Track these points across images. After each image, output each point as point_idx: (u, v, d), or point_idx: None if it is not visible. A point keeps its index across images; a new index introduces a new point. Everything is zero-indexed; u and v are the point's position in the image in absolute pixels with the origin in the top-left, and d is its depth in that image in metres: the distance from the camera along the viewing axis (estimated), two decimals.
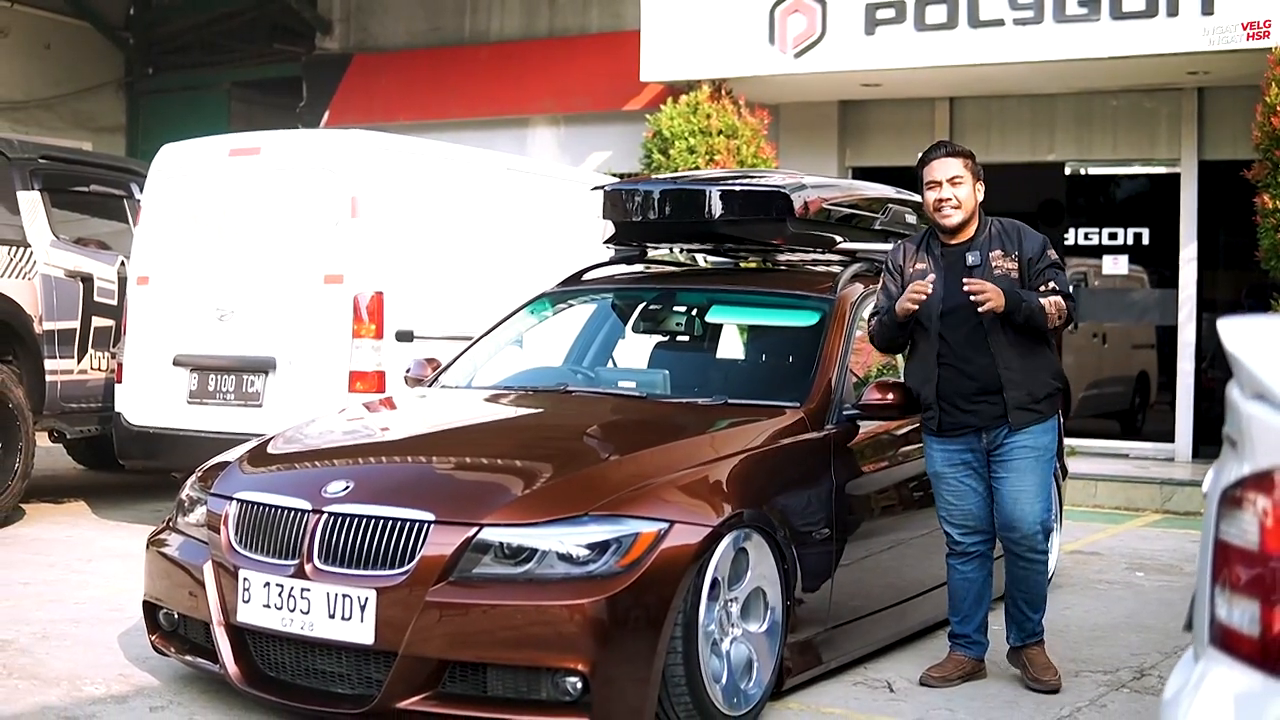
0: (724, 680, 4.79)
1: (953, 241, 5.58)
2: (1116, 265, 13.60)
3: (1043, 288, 5.43)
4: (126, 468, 9.10)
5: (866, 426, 5.85)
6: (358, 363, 7.90)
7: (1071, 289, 5.53)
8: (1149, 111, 13.58)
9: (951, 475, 5.63)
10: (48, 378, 9.11)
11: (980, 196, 5.60)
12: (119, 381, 8.76)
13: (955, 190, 5.50)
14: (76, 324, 9.31)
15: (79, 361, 9.34)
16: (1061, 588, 7.69)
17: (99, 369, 9.47)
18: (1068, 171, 13.93)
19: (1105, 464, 12.25)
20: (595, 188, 7.04)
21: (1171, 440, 13.36)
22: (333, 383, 7.91)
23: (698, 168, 12.94)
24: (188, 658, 5.14)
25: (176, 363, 8.44)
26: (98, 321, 9.44)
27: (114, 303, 9.53)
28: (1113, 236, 13.73)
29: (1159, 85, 13.13)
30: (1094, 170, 14.13)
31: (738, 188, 6.43)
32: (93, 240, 9.72)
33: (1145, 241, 13.68)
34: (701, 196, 6.40)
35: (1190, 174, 13.24)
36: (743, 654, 4.92)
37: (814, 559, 5.30)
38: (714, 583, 4.72)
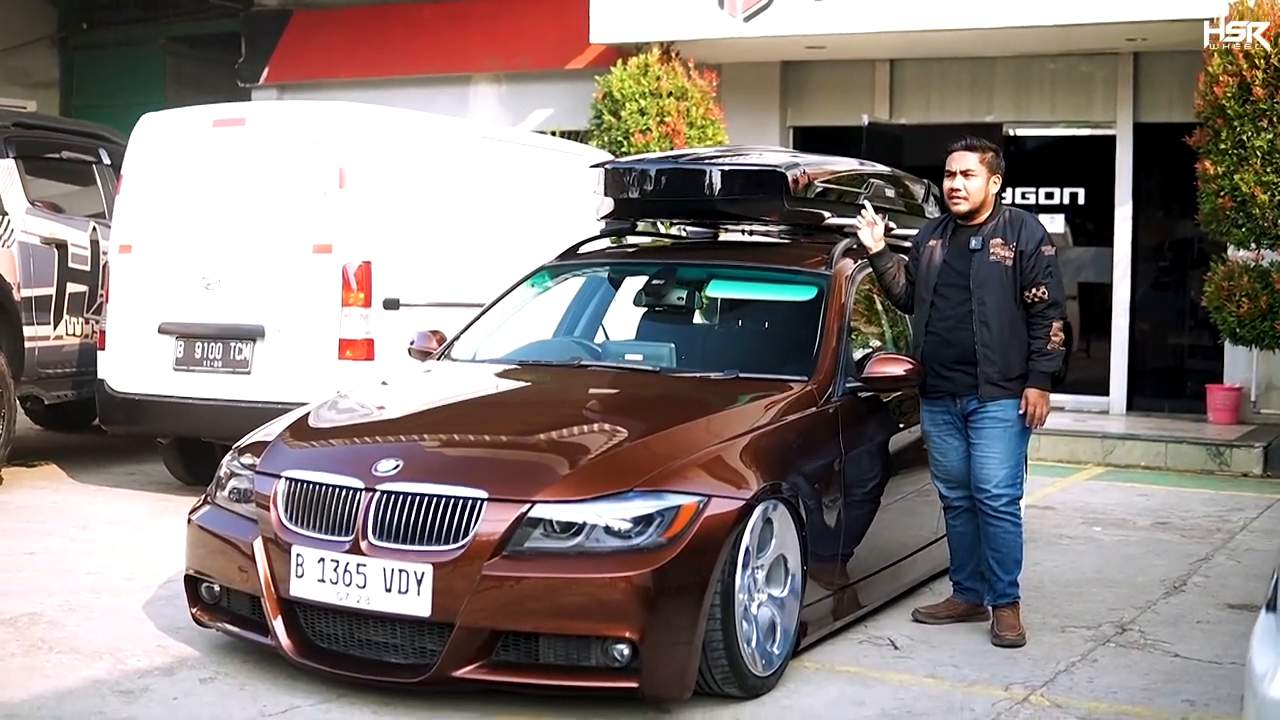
0: (754, 642, 5.07)
1: (965, 225, 6.06)
2: (1053, 224, 13.97)
3: (1032, 293, 5.87)
4: (109, 433, 9.18)
5: (863, 397, 6.16)
6: (347, 330, 8.08)
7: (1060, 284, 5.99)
8: (1085, 75, 13.96)
9: (936, 434, 6.20)
10: (26, 344, 9.15)
11: (994, 189, 6.03)
12: (101, 348, 8.81)
13: (966, 182, 5.99)
14: (52, 290, 9.36)
15: (55, 328, 9.39)
16: (1027, 543, 7.96)
17: (74, 335, 9.54)
18: (1005, 133, 14.25)
19: None
20: (595, 165, 7.23)
21: (1101, 393, 13.82)
22: (322, 350, 8.09)
23: (649, 129, 13.17)
24: (233, 629, 5.32)
25: (162, 330, 8.53)
26: (72, 287, 9.50)
27: (87, 269, 9.59)
28: (1049, 196, 14.13)
29: (1097, 50, 13.51)
30: (1031, 132, 14.48)
31: (737, 166, 6.65)
32: (60, 206, 9.74)
33: (1081, 201, 14.09)
34: (701, 175, 6.62)
35: (1125, 136, 13.66)
36: (767, 617, 5.20)
37: (825, 526, 5.60)
38: (745, 551, 5.00)
